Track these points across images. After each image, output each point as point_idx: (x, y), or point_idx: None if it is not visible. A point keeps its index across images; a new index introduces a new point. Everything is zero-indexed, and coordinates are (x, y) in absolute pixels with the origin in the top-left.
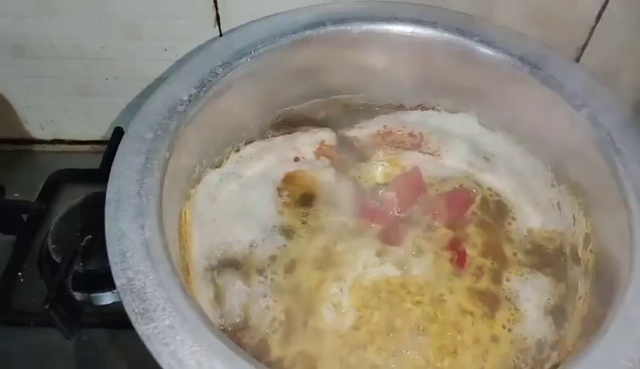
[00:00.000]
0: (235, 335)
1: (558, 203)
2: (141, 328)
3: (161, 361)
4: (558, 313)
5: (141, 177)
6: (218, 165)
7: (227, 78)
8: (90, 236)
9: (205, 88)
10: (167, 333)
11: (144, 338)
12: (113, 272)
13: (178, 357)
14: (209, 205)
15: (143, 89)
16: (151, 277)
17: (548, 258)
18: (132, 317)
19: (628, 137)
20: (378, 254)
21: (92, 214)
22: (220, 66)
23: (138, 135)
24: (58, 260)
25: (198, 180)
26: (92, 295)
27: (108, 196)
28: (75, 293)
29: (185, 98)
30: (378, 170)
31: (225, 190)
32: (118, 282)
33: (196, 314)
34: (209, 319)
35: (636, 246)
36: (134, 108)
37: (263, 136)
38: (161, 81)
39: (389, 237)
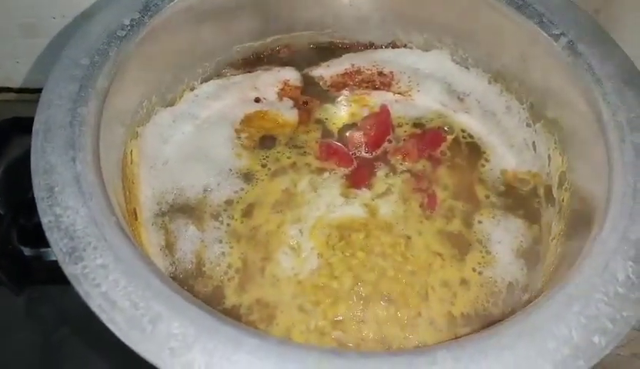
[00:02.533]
0: (187, 283)
1: (534, 142)
2: (69, 268)
3: (90, 303)
4: (530, 255)
5: (74, 107)
6: (171, 104)
7: (175, 4)
8: None
9: (149, 13)
10: (98, 273)
11: (72, 279)
12: (39, 208)
13: (110, 298)
14: (160, 147)
15: None
16: (82, 213)
17: (521, 200)
18: (60, 256)
19: (609, 66)
20: (344, 195)
21: None
22: None
23: (72, 61)
24: (2, 212)
25: (147, 118)
26: (43, 250)
27: (35, 126)
28: (24, 248)
29: (127, 23)
30: (345, 111)
31: (178, 131)
32: (44, 220)
33: (133, 253)
34: (149, 258)
35: (614, 179)
36: None
37: (220, 74)
38: None
39: (356, 179)
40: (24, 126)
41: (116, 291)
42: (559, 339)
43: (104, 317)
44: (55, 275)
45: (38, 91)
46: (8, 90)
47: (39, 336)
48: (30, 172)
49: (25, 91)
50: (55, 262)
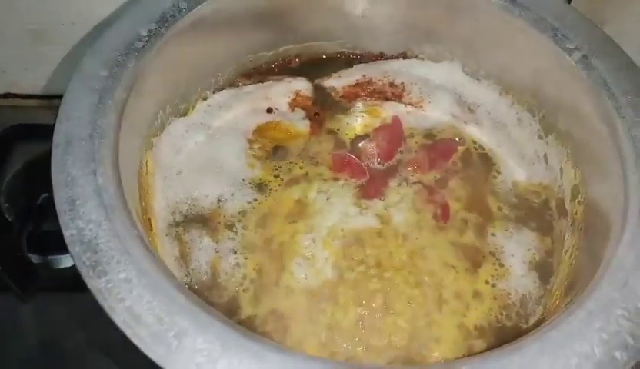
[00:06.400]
0: (202, 294)
1: (545, 155)
2: (93, 282)
3: (115, 317)
4: (543, 268)
5: (93, 119)
6: (184, 114)
7: (191, 15)
8: (46, 194)
9: (166, 24)
10: (122, 287)
11: (95, 293)
12: (61, 222)
13: (134, 313)
14: (174, 156)
15: None
16: (105, 226)
17: (533, 212)
18: (83, 270)
19: (623, 80)
20: (356, 206)
21: (49, 171)
22: (184, 0)
23: (90, 72)
24: (11, 219)
25: (162, 128)
26: (50, 258)
27: (55, 138)
28: (31, 255)
29: (144, 34)
30: (357, 122)
31: (191, 141)
32: (66, 233)
33: (156, 267)
34: (171, 272)
35: (630, 193)
36: None
37: (233, 84)
38: None
39: (369, 191)
40: (30, 133)
41: (140, 306)
42: (581, 355)
43: (129, 332)
44: (62, 283)
45: (45, 97)
46: (15, 96)
47: (45, 343)
48: (39, 178)
49: (32, 97)
50: (62, 270)
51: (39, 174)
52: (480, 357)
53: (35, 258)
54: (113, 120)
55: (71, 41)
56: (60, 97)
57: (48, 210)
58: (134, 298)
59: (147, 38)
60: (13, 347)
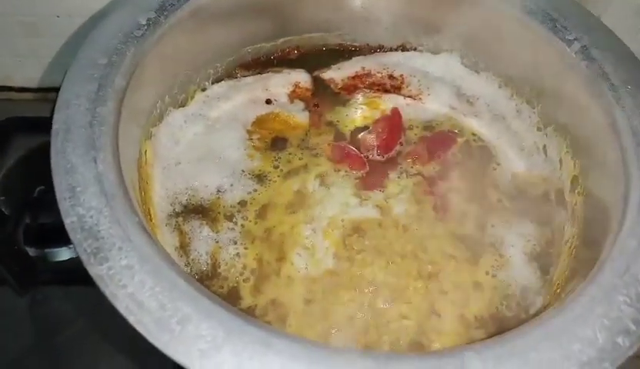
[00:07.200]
0: (202, 284)
1: (544, 146)
2: (95, 269)
3: (117, 304)
4: (543, 258)
5: (93, 107)
6: (183, 104)
7: (190, 4)
8: (42, 187)
9: (165, 13)
10: (124, 273)
11: (97, 280)
12: (61, 209)
13: (137, 299)
14: (173, 147)
15: None
16: (106, 213)
17: (533, 204)
18: (84, 257)
19: (622, 71)
20: (357, 197)
21: (44, 164)
22: None
23: (89, 60)
24: (7, 212)
25: (160, 118)
26: (47, 251)
27: (54, 126)
28: (28, 248)
29: (143, 23)
30: (357, 114)
31: (189, 132)
32: (67, 220)
33: (157, 254)
34: (172, 258)
35: (630, 183)
36: None
37: (231, 75)
38: None
39: (369, 183)
40: (25, 125)
41: (143, 292)
42: (584, 341)
43: (131, 319)
44: (60, 276)
45: (40, 90)
46: (9, 89)
47: (43, 337)
48: (35, 171)
49: (27, 90)
50: (60, 263)
51: (35, 167)
52: (483, 343)
53: (32, 251)
54: (112, 108)
55: (66, 33)
56: (55, 90)
57: (45, 203)
58: (136, 285)
59: (146, 27)
60: (11, 340)
